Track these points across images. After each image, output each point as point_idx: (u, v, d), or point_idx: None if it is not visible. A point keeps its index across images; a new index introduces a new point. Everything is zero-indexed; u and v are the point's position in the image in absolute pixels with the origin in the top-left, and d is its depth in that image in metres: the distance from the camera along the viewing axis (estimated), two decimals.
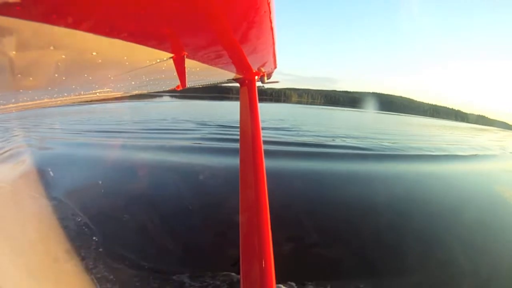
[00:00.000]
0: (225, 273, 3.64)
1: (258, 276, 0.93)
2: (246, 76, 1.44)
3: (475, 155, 13.92)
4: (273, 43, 0.94)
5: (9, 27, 0.34)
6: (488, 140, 24.99)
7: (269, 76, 1.79)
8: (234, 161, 7.55)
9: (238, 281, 0.89)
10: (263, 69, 1.47)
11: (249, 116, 1.30)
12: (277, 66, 1.51)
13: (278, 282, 0.85)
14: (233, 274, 3.62)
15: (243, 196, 1.13)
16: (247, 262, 1.00)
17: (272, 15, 0.63)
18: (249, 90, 1.41)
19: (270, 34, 0.79)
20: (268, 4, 0.57)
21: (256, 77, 1.47)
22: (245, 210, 1.09)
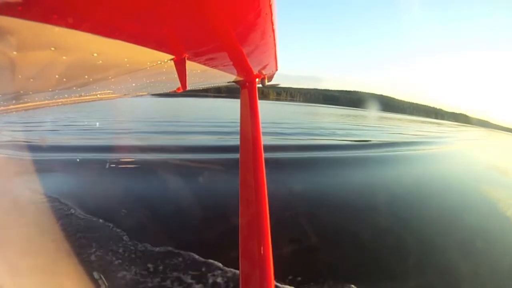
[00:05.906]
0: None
1: (257, 277, 0.93)
2: (247, 78, 1.43)
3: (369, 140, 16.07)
4: (274, 46, 0.93)
5: (10, 28, 0.34)
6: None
7: (270, 78, 1.79)
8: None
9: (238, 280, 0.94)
10: (264, 72, 1.47)
11: (250, 118, 1.30)
12: (278, 68, 1.51)
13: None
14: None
15: (243, 196, 1.13)
16: (246, 262, 1.00)
17: (273, 17, 0.63)
18: (250, 93, 1.41)
19: (271, 36, 0.79)
20: (270, 6, 0.56)
21: (257, 79, 1.47)
22: (244, 210, 1.09)
